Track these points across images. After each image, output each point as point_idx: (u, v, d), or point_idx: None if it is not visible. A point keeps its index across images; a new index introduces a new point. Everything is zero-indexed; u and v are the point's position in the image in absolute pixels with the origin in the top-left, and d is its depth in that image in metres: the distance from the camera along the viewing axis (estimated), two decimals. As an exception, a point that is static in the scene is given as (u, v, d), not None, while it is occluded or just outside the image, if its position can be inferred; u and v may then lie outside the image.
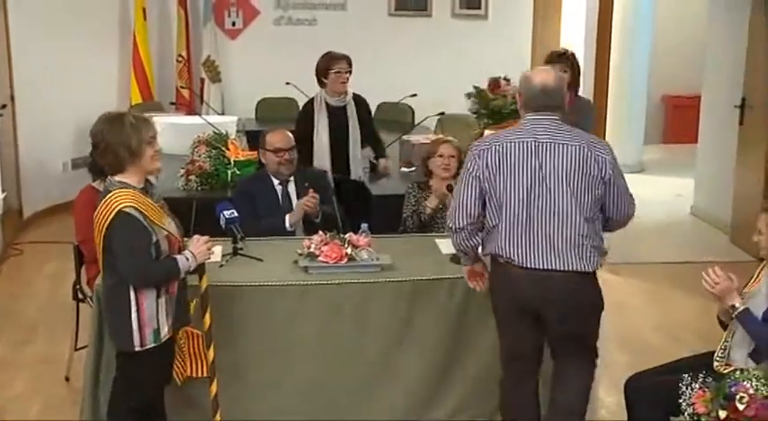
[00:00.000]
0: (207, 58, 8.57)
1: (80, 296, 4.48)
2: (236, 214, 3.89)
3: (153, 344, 3.24)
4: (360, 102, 5.57)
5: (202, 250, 3.32)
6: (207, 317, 3.47)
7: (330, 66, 5.42)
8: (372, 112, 5.87)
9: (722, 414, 2.95)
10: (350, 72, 5.44)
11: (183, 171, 5.32)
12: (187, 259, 3.25)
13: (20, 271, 6.38)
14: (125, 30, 8.38)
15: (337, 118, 5.45)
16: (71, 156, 7.88)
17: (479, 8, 8.73)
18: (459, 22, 8.73)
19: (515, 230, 3.22)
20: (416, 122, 7.25)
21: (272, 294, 3.78)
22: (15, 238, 6.97)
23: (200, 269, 3.41)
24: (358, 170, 5.51)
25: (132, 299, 3.18)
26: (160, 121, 6.33)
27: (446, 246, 4.13)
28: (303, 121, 5.48)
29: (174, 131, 6.03)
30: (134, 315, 3.19)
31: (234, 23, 8.75)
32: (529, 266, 3.21)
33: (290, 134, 4.74)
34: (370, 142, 5.70)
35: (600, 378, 4.74)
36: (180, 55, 8.49)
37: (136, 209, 3.12)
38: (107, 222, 3.11)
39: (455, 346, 3.88)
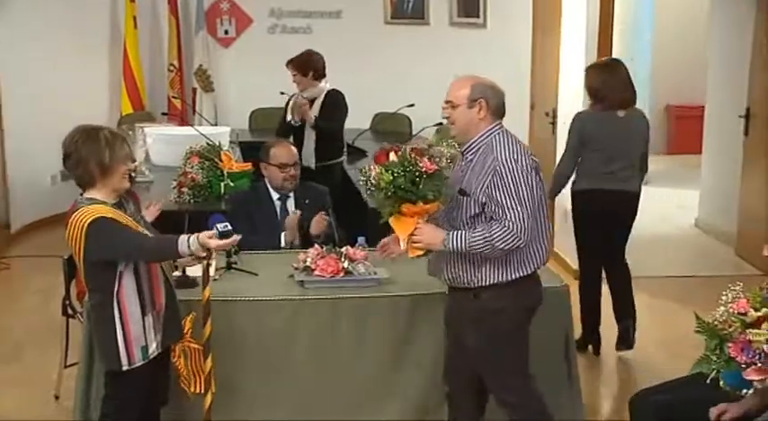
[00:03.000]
0: (199, 67, 8.59)
1: (69, 312, 4.48)
2: (230, 227, 3.87)
3: (141, 362, 3.23)
4: (326, 97, 6.12)
5: (209, 242, 3.20)
6: (207, 327, 3.45)
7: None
8: (369, 122, 5.95)
9: None
10: (297, 75, 6.11)
11: (175, 183, 5.33)
12: (190, 243, 3.17)
13: (7, 286, 6.38)
14: (115, 38, 8.40)
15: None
16: (59, 169, 7.84)
17: (478, 16, 8.77)
18: (457, 31, 8.76)
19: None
20: (414, 133, 7.27)
21: (266, 309, 3.78)
22: (2, 252, 6.97)
23: (203, 280, 3.41)
24: (309, 160, 5.95)
25: (116, 316, 3.18)
26: (151, 132, 6.39)
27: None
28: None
29: (165, 142, 6.05)
30: (119, 332, 3.19)
31: (227, 32, 8.77)
32: None
33: (294, 148, 4.83)
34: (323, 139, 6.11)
35: (605, 395, 4.77)
36: (171, 64, 8.51)
37: (110, 217, 3.12)
38: (82, 236, 3.10)
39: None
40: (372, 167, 3.11)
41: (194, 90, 8.61)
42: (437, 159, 3.16)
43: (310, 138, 6.12)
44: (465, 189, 3.26)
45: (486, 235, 3.17)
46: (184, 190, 5.29)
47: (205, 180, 5.34)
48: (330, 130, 6.11)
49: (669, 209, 8.45)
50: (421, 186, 3.04)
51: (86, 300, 3.59)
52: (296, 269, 3.94)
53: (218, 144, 5.73)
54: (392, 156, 3.10)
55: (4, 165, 7.39)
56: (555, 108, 6.94)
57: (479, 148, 3.29)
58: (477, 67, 8.75)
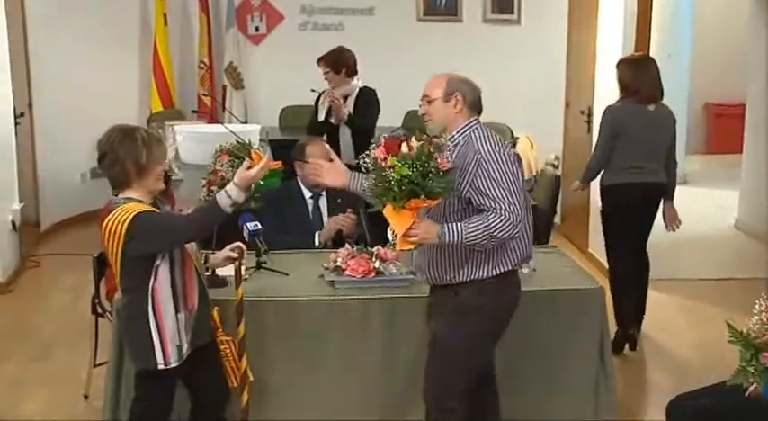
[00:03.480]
0: (229, 64, 8.62)
1: (99, 310, 4.51)
2: (259, 226, 3.90)
3: (176, 363, 3.26)
4: (360, 95, 6.15)
5: (246, 175, 3.23)
6: (241, 328, 3.51)
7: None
8: (401, 120, 5.98)
9: None
10: (329, 72, 6.11)
11: (204, 181, 5.34)
12: (228, 192, 3.20)
13: (37, 284, 6.45)
14: (146, 36, 8.46)
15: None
16: (89, 166, 7.95)
17: (512, 13, 8.72)
18: (490, 28, 8.72)
19: None
20: (446, 131, 7.26)
21: (297, 309, 3.80)
22: (32, 250, 7.04)
23: (236, 279, 3.45)
24: (350, 155, 5.84)
25: (150, 313, 3.21)
26: (181, 130, 6.44)
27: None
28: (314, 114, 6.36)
29: (195, 140, 6.08)
30: (154, 330, 3.21)
31: (257, 29, 8.80)
32: None
33: (328, 146, 4.86)
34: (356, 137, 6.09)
35: (642, 399, 4.74)
36: (202, 61, 8.56)
37: (150, 210, 3.18)
38: (122, 233, 3.13)
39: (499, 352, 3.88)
40: (381, 155, 3.06)
41: (224, 87, 8.65)
42: (448, 155, 3.14)
43: (346, 134, 6.15)
44: None
45: (485, 224, 3.16)
46: (214, 188, 5.29)
47: (235, 179, 5.36)
48: (363, 128, 6.12)
49: (708, 209, 8.37)
50: (432, 182, 3.03)
51: (117, 299, 3.66)
52: (326, 269, 3.95)
53: (248, 142, 5.74)
54: (404, 148, 3.07)
55: (34, 163, 7.48)
56: (590, 106, 6.90)
57: (458, 143, 3.29)
58: (511, 65, 8.82)
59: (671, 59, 9.04)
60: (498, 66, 8.38)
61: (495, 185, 3.19)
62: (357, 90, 6.19)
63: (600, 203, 5.32)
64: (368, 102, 6.17)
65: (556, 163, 5.88)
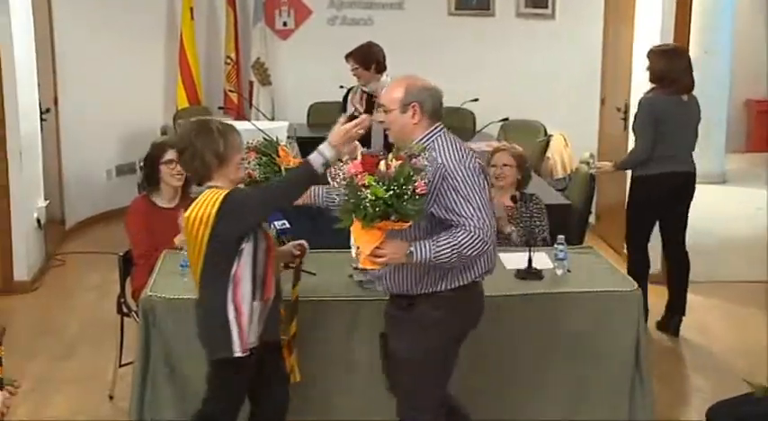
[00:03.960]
0: (256, 59, 8.65)
1: (125, 310, 4.55)
2: (287, 225, 3.90)
3: (253, 349, 3.26)
4: None
5: (340, 130, 3.24)
6: (293, 326, 3.58)
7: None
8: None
9: None
10: (358, 68, 6.06)
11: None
12: (320, 151, 3.24)
13: (62, 282, 6.50)
14: (172, 31, 8.51)
15: (370, 102, 6.11)
16: (115, 163, 8.04)
17: (546, 7, 8.68)
18: (524, 22, 8.68)
19: None
20: (478, 129, 7.24)
21: (325, 309, 3.80)
22: (58, 248, 7.10)
23: (294, 278, 3.55)
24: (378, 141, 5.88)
25: (230, 302, 3.21)
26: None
27: (510, 260, 4.12)
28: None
29: (222, 137, 6.09)
30: (232, 318, 3.21)
31: (285, 23, 8.83)
32: None
33: (359, 144, 4.84)
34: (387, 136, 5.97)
35: (680, 403, 4.70)
36: (228, 57, 8.59)
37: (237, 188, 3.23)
38: (213, 212, 3.15)
39: (526, 365, 3.90)
40: (356, 170, 3.00)
41: (251, 83, 8.68)
42: (425, 177, 3.05)
43: (379, 132, 6.11)
44: None
45: (454, 242, 3.09)
46: (241, 186, 5.33)
47: (262, 176, 5.32)
48: None
49: (747, 210, 8.28)
50: (406, 204, 2.97)
51: (144, 295, 3.75)
52: (355, 269, 3.94)
53: (275, 139, 5.75)
54: (382, 166, 2.99)
55: (59, 160, 7.55)
56: (627, 102, 6.84)
57: (419, 155, 3.18)
58: (545, 61, 8.76)
59: (709, 56, 8.97)
60: (531, 61, 8.36)
61: (463, 202, 3.12)
62: (386, 87, 6.16)
63: (631, 195, 5.47)
64: None
65: (591, 161, 5.84)
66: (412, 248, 3.11)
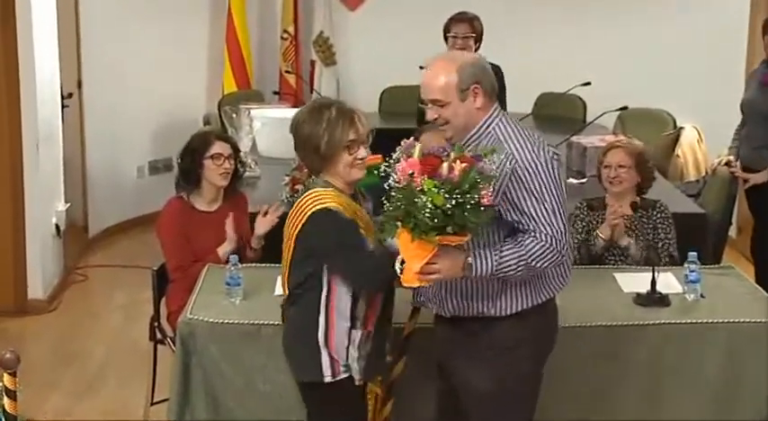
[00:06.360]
0: (319, 34, 8.71)
1: (158, 336, 4.58)
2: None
3: (345, 376, 3.31)
4: None
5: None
6: (399, 366, 3.59)
7: (448, 28, 5.82)
8: (532, 105, 5.92)
9: None
10: (472, 37, 5.75)
11: (287, 179, 5.39)
12: None
13: (84, 301, 6.60)
14: (217, 3, 8.56)
15: None
16: (148, 159, 8.12)
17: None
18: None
19: None
20: (589, 119, 7.18)
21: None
22: (79, 261, 7.21)
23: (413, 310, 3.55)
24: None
25: (322, 323, 3.28)
26: (259, 116, 6.52)
27: (630, 282, 4.10)
28: None
29: (276, 128, 6.13)
30: (321, 340, 3.28)
31: (354, -10, 8.87)
32: None
33: None
34: None
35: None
36: (285, 31, 8.64)
37: (340, 212, 3.24)
38: (301, 223, 3.23)
39: (642, 407, 3.91)
40: (413, 170, 2.97)
41: (312, 63, 8.74)
42: (495, 184, 3.03)
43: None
44: None
45: (521, 253, 3.11)
46: (299, 187, 5.36)
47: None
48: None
49: None
50: (468, 215, 2.93)
51: (182, 318, 3.80)
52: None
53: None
54: (444, 169, 2.96)
55: (83, 154, 7.67)
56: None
57: (479, 144, 3.19)
58: (672, 35, 8.52)
59: None
60: (654, 37, 8.22)
61: (536, 202, 3.13)
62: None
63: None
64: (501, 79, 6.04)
65: (732, 161, 5.76)
66: (470, 260, 3.12)
